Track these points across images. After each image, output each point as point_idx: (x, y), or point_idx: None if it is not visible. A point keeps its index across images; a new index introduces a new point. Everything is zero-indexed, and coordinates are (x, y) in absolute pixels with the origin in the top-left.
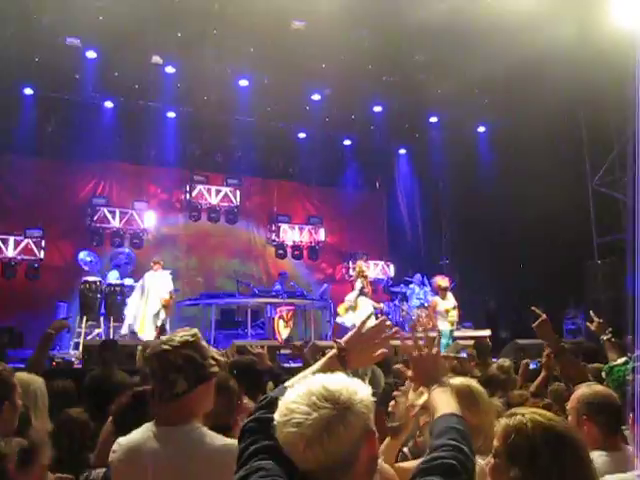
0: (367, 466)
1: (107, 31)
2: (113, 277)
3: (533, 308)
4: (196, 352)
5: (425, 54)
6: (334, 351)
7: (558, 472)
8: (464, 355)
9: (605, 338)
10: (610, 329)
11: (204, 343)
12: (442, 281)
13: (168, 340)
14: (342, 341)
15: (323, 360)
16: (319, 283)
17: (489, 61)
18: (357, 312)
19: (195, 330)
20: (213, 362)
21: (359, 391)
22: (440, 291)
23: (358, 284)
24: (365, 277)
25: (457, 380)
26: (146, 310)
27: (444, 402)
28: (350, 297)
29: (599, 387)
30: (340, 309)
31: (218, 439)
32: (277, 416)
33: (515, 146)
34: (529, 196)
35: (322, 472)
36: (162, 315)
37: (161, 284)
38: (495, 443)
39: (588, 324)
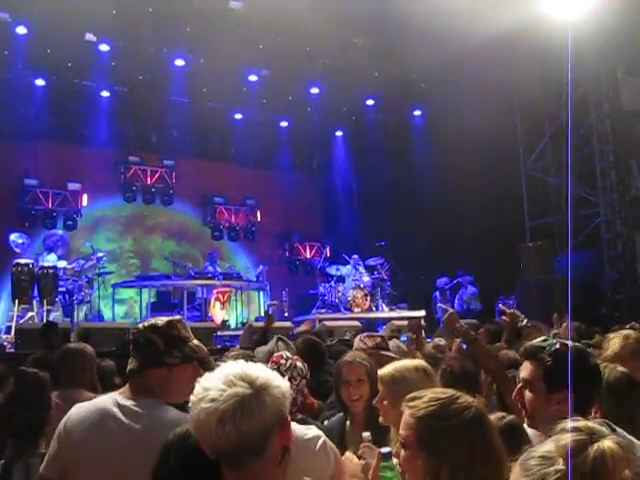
0: (279, 455)
1: (38, 6)
2: (51, 260)
3: (440, 305)
4: (161, 338)
5: (364, 37)
6: None
7: (468, 452)
8: (404, 339)
9: (522, 324)
10: (523, 315)
11: (182, 332)
12: None
13: (148, 321)
14: None
15: None
16: (255, 265)
17: (427, 47)
18: None
19: (178, 317)
20: (178, 353)
21: (277, 379)
22: None
23: None
24: None
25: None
26: None
27: None
28: None
29: None
30: None
31: (172, 412)
32: (192, 397)
33: (450, 131)
34: (464, 179)
35: (232, 454)
36: None
37: None
38: (401, 432)
39: (503, 317)
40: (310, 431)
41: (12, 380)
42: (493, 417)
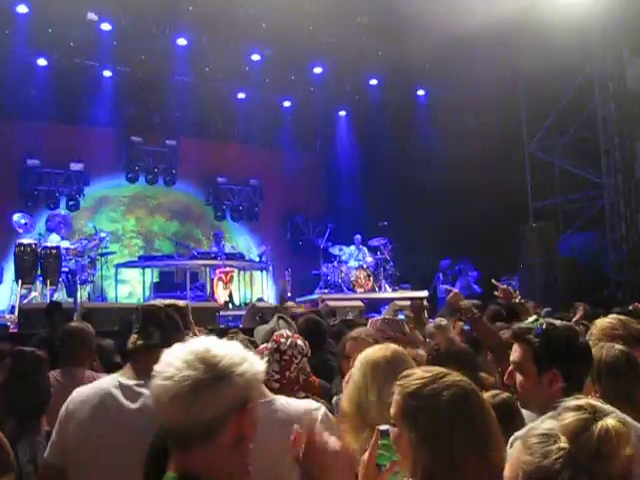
0: (233, 443)
1: None
2: (54, 240)
3: (443, 286)
4: (180, 318)
5: (367, 16)
6: None
7: (448, 430)
8: (402, 317)
9: (517, 302)
10: (517, 292)
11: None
12: None
13: (161, 301)
14: None
15: None
16: (258, 244)
17: (430, 26)
18: None
19: (186, 302)
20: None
21: (245, 363)
22: None
23: None
24: None
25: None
26: None
27: None
28: None
29: None
30: None
31: None
32: (157, 366)
33: (454, 110)
34: (467, 160)
35: (180, 436)
36: None
37: None
38: (391, 410)
39: (495, 292)
40: (310, 404)
41: (9, 359)
42: (487, 395)
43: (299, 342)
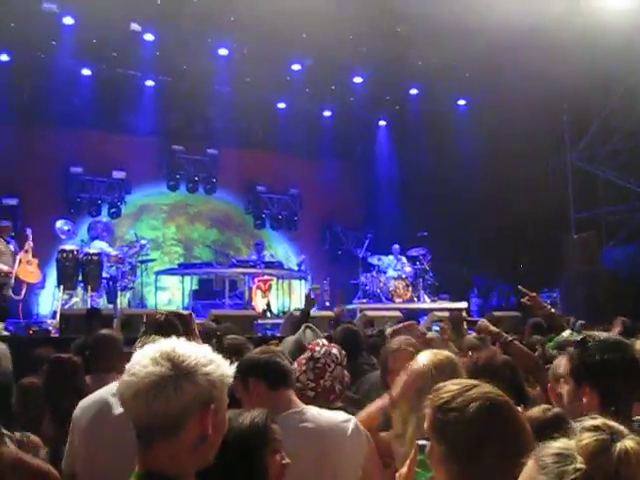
0: (195, 441)
1: None
2: (99, 247)
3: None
4: (181, 323)
5: (407, 26)
6: None
7: (475, 443)
8: (436, 328)
9: (552, 312)
10: (547, 303)
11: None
12: None
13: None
14: None
15: None
16: (297, 253)
17: (471, 35)
18: None
19: (189, 312)
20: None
21: (210, 365)
22: None
23: None
24: None
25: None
26: None
27: None
28: None
29: None
30: None
31: None
32: (127, 365)
33: (494, 120)
34: (508, 169)
35: (144, 430)
36: None
37: None
38: (425, 424)
39: (522, 300)
40: (340, 415)
41: (47, 366)
42: (537, 409)
43: (334, 351)
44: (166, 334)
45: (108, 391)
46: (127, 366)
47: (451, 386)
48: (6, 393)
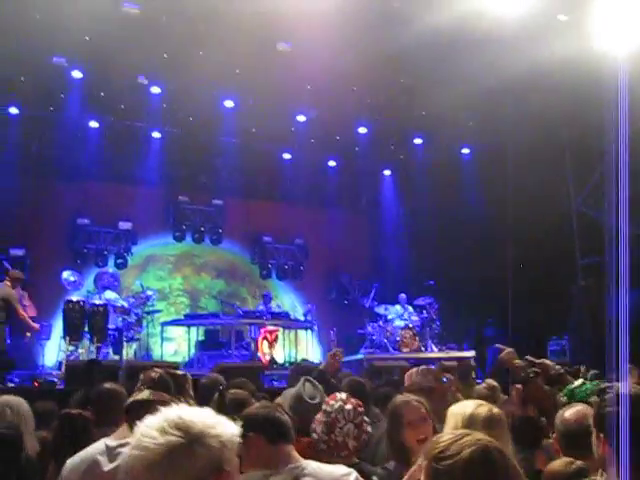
0: None
1: (93, 51)
2: (110, 297)
3: (497, 345)
4: (174, 383)
5: (409, 77)
6: None
7: None
8: (444, 380)
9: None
10: (555, 363)
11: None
12: None
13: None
14: None
15: None
16: (303, 303)
17: (473, 83)
18: None
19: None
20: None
21: (218, 427)
22: None
23: None
24: None
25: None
26: None
27: None
28: None
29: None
30: None
31: None
32: (132, 439)
33: (498, 168)
34: (513, 218)
35: None
36: None
37: None
38: (422, 476)
39: (533, 369)
40: (341, 469)
41: (57, 422)
42: (560, 462)
43: (347, 407)
44: (156, 390)
45: (97, 448)
46: (132, 441)
47: (447, 436)
48: (12, 446)
